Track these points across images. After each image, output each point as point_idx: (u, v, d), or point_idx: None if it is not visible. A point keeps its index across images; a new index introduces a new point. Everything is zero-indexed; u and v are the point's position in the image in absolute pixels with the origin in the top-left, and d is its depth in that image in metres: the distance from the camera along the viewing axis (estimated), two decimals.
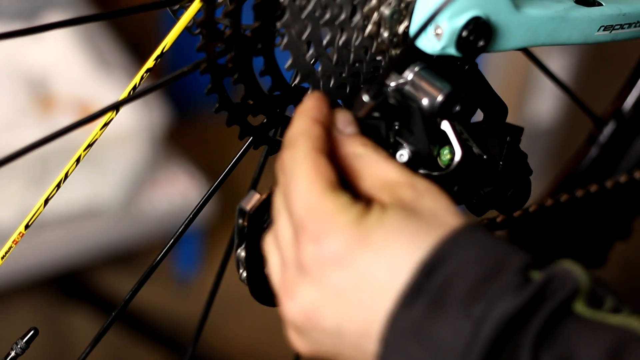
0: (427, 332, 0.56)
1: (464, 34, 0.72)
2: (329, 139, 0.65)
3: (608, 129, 0.98)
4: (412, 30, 0.74)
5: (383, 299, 0.58)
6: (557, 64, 2.10)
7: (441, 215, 0.60)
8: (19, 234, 0.72)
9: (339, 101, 0.76)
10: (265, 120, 0.76)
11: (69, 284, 2.29)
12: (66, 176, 0.73)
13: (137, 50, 2.33)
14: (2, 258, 0.71)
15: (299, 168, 0.62)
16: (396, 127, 0.74)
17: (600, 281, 0.57)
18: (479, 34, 0.72)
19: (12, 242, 0.71)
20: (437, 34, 0.72)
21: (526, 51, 0.82)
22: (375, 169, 0.64)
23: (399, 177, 0.63)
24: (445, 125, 0.75)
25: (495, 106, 0.81)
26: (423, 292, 0.57)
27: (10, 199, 2.02)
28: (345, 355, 0.61)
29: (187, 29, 0.73)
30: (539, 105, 2.19)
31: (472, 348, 0.55)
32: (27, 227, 0.72)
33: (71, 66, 2.18)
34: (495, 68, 2.08)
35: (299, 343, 0.62)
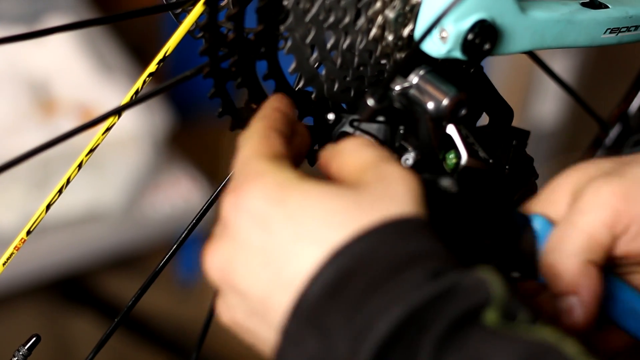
0: (322, 323, 0.54)
1: (470, 37, 0.71)
2: (287, 126, 0.65)
3: (614, 132, 0.97)
4: (417, 34, 0.73)
5: (284, 268, 0.56)
6: (561, 65, 2.09)
7: (385, 202, 0.58)
8: (21, 239, 0.71)
9: (343, 105, 0.75)
10: None
11: (71, 288, 2.28)
12: (68, 181, 0.73)
13: (139, 54, 2.33)
14: (4, 264, 0.71)
15: (248, 139, 0.63)
16: (401, 131, 0.73)
17: (518, 294, 0.56)
18: (484, 37, 0.71)
19: (14, 248, 0.71)
20: (442, 37, 0.71)
21: (531, 53, 0.81)
22: (351, 157, 0.63)
23: (367, 161, 0.62)
24: (451, 129, 0.74)
25: (501, 110, 0.80)
26: (322, 280, 0.55)
27: (12, 203, 2.02)
28: (253, 330, 0.59)
29: (189, 33, 0.73)
30: (542, 108, 2.18)
31: (363, 344, 0.53)
32: (28, 233, 0.71)
33: (73, 70, 2.17)
34: (498, 70, 2.08)
35: (220, 310, 0.60)
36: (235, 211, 0.58)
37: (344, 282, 0.54)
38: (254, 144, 0.62)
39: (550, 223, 0.67)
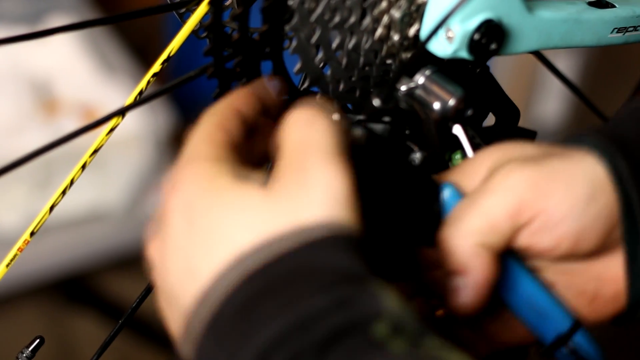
0: (217, 326, 0.54)
1: (476, 37, 0.71)
2: (239, 124, 0.63)
3: None
4: (424, 34, 0.72)
5: (195, 264, 0.56)
6: (565, 64, 2.09)
7: (303, 206, 0.56)
8: (24, 241, 0.71)
9: (349, 105, 0.75)
10: None
11: (74, 289, 2.28)
12: (72, 182, 0.72)
13: (142, 54, 2.32)
14: (7, 266, 0.70)
15: (193, 137, 0.63)
16: (407, 132, 0.73)
17: (411, 309, 0.54)
18: (491, 36, 0.71)
19: (17, 249, 0.70)
20: (448, 37, 0.71)
21: (536, 52, 0.80)
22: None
23: (305, 144, 0.59)
24: (457, 130, 0.73)
25: (508, 110, 0.80)
26: (224, 284, 0.54)
27: (14, 203, 2.01)
28: (168, 318, 0.59)
29: (193, 33, 0.72)
30: (545, 107, 2.18)
31: (244, 350, 0.52)
32: (32, 234, 0.71)
33: (75, 70, 2.17)
34: (501, 69, 2.07)
35: (158, 296, 0.60)
36: (166, 204, 0.59)
37: (243, 288, 0.54)
38: (197, 144, 0.62)
39: (460, 194, 0.66)
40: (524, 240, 0.65)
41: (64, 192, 0.72)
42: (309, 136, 0.59)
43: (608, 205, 0.64)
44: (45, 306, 2.22)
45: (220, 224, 0.56)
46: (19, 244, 0.70)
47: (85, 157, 0.71)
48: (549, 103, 2.18)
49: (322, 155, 0.58)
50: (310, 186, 0.57)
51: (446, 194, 0.67)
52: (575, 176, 0.64)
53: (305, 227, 0.55)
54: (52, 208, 0.71)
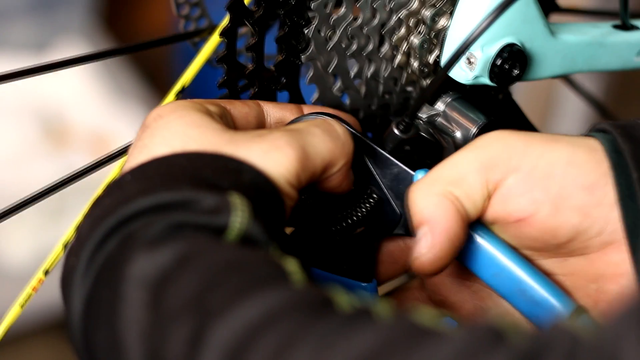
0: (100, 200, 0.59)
1: (498, 62, 0.69)
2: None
3: None
4: (444, 60, 0.70)
5: (130, 158, 0.61)
6: (586, 87, 2.07)
7: (233, 146, 0.60)
8: (39, 280, 0.69)
9: (369, 134, 0.73)
10: None
11: None
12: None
13: (152, 79, 2.31)
14: (22, 306, 0.69)
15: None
16: (428, 162, 0.71)
17: (261, 225, 0.56)
18: (513, 62, 0.69)
19: (32, 288, 0.69)
20: (469, 63, 0.69)
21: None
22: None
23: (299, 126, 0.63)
24: None
25: None
26: (129, 174, 0.59)
27: (24, 235, 1.99)
28: None
29: (208, 62, 0.70)
30: (561, 128, 2.16)
31: (96, 230, 0.56)
32: (46, 273, 0.69)
33: (85, 97, 2.15)
34: (516, 91, 2.05)
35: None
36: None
37: (129, 174, 0.59)
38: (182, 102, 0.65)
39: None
40: (500, 206, 0.62)
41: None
42: (296, 125, 0.63)
43: (594, 174, 0.61)
44: (57, 343, 2.20)
45: (156, 135, 0.61)
46: (33, 283, 0.69)
47: (98, 192, 0.69)
48: (565, 125, 2.16)
49: (294, 136, 0.61)
50: (265, 140, 0.60)
51: (419, 176, 0.65)
52: (558, 141, 0.62)
53: (223, 154, 0.59)
54: (65, 246, 0.70)
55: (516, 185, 0.61)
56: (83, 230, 0.57)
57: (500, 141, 0.62)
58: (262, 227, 0.56)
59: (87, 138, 2.12)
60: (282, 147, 0.60)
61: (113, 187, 0.59)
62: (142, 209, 0.55)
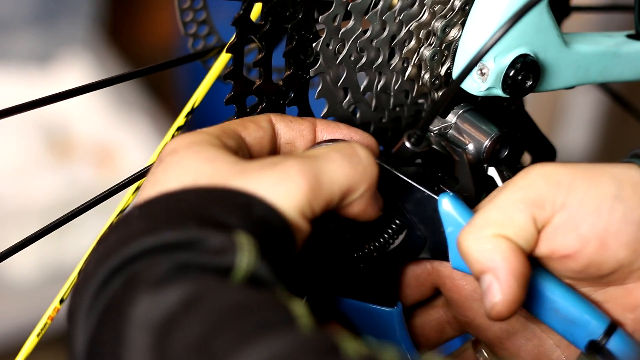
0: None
1: (511, 73, 0.67)
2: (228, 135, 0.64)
3: None
4: (456, 72, 0.69)
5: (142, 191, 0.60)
6: (594, 95, 2.06)
7: (243, 178, 0.58)
8: (55, 309, 0.68)
9: (381, 147, 0.71)
10: None
11: None
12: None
13: (156, 92, 2.30)
14: (38, 335, 0.68)
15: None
16: (439, 174, 0.69)
17: (268, 264, 0.54)
18: (527, 73, 0.68)
19: (48, 318, 0.68)
20: (482, 74, 0.68)
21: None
22: None
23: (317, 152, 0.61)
24: (492, 172, 0.70)
25: (544, 148, 0.76)
26: (139, 208, 0.58)
27: (29, 249, 1.98)
28: None
29: (218, 78, 0.69)
30: (567, 139, 2.15)
31: (104, 265, 0.54)
32: (61, 301, 0.68)
33: (89, 109, 2.14)
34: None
35: None
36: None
37: (138, 209, 0.58)
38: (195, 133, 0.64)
39: (457, 198, 0.63)
40: (547, 244, 0.60)
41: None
42: (314, 150, 0.61)
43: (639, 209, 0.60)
44: (64, 356, 2.19)
45: (168, 170, 0.59)
46: (49, 312, 0.68)
47: (112, 218, 0.68)
48: (571, 133, 2.15)
49: (306, 163, 0.59)
50: (276, 169, 0.58)
51: (446, 203, 0.63)
52: (602, 175, 0.60)
53: (230, 188, 0.57)
54: (79, 273, 0.69)
55: (563, 223, 0.60)
56: (88, 268, 0.56)
57: (544, 178, 0.60)
58: (269, 267, 0.54)
59: (91, 150, 2.11)
60: (293, 176, 0.58)
61: (120, 223, 0.57)
62: (147, 249, 0.54)
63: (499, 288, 0.59)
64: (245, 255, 0.53)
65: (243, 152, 0.62)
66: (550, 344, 0.66)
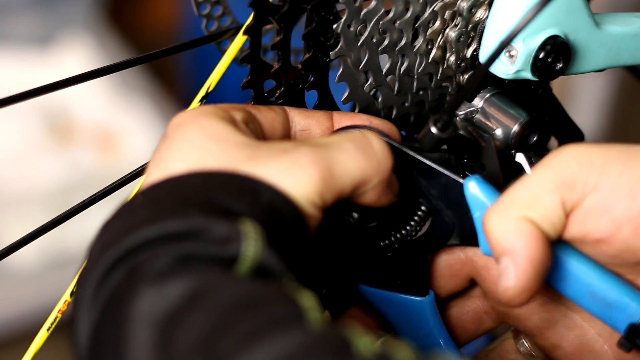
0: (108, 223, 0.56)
1: (541, 55, 0.64)
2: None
3: None
4: (483, 54, 0.66)
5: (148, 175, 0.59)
6: (602, 78, 2.03)
7: (255, 162, 0.56)
8: (65, 302, 0.67)
9: (403, 132, 0.69)
10: None
11: None
12: None
13: (159, 75, 2.27)
14: (48, 330, 0.66)
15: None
16: (465, 161, 0.66)
17: (276, 253, 0.52)
18: (557, 55, 0.65)
19: (58, 311, 0.67)
20: (510, 56, 0.65)
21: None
22: None
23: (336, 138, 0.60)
24: (521, 158, 0.67)
25: (571, 133, 0.74)
26: (142, 193, 0.56)
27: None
28: None
29: (234, 60, 0.66)
30: (576, 120, 2.13)
31: (105, 255, 0.53)
32: (72, 294, 0.66)
33: (92, 93, 2.11)
34: None
35: None
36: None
37: (141, 195, 0.56)
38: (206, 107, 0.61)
39: (484, 181, 0.61)
40: (578, 226, 0.58)
41: None
42: (328, 139, 0.59)
43: None
44: (67, 343, 2.17)
45: (173, 147, 0.58)
46: (59, 305, 0.66)
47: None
48: (579, 117, 2.13)
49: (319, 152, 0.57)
50: (288, 156, 0.56)
51: (473, 185, 0.61)
52: (638, 157, 0.57)
53: (238, 174, 0.55)
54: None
55: (595, 205, 0.57)
56: (92, 256, 0.54)
57: (576, 158, 0.58)
58: (277, 256, 0.52)
59: (92, 134, 2.08)
60: (305, 165, 0.56)
61: (124, 209, 0.56)
62: (149, 239, 0.52)
63: (515, 273, 0.57)
64: (251, 244, 0.51)
65: (255, 128, 0.60)
66: (592, 333, 0.64)
